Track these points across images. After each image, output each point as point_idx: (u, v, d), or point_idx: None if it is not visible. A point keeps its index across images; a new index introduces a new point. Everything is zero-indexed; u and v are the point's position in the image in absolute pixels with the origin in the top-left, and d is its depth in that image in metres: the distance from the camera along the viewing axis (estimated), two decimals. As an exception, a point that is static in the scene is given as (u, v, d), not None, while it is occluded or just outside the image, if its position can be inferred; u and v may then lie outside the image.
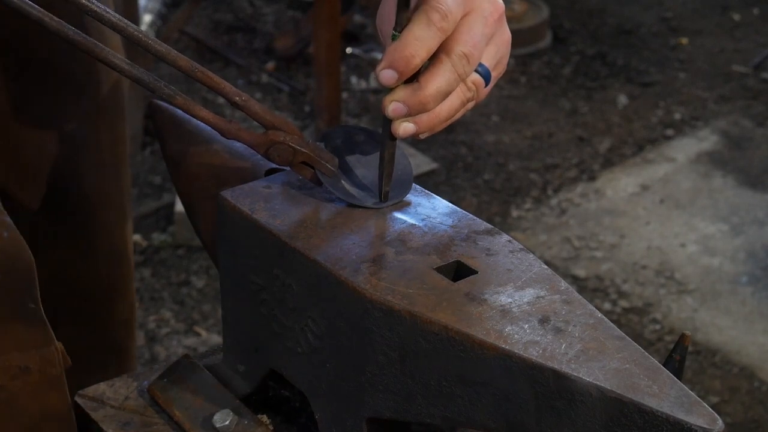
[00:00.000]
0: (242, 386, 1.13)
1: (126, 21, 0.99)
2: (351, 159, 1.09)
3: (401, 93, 0.98)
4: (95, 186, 1.47)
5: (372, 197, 1.07)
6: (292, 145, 1.05)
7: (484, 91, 1.05)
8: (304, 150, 1.05)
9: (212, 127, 1.05)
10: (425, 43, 0.96)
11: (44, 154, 1.41)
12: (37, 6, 0.97)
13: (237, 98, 1.03)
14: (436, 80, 0.99)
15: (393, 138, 1.02)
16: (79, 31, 0.99)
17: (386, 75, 0.97)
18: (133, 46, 1.01)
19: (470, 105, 1.05)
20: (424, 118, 1.01)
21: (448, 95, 1.01)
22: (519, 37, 4.34)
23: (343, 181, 1.07)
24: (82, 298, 1.50)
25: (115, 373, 1.44)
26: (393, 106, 0.99)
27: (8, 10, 0.96)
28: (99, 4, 0.98)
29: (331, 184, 1.06)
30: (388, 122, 1.02)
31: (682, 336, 1.02)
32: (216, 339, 2.78)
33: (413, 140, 3.75)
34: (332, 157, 1.07)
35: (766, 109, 4.03)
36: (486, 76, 1.05)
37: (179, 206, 3.12)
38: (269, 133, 1.05)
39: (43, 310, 1.11)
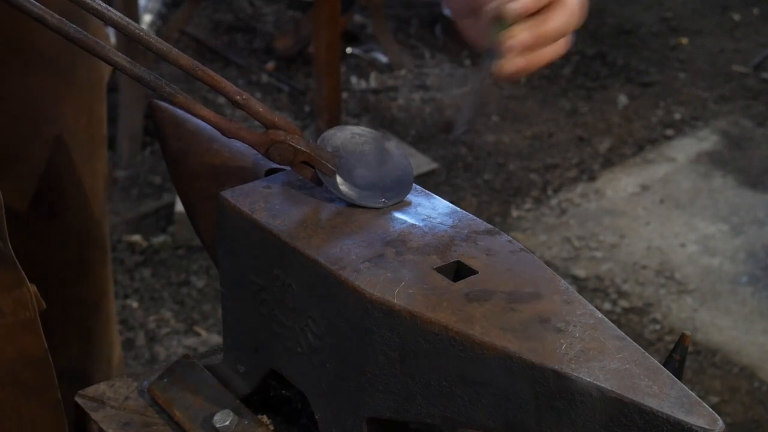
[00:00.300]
0: (242, 386, 1.13)
1: (127, 19, 0.99)
2: (351, 159, 1.09)
3: (527, 26, 1.02)
4: (67, 167, 1.45)
5: (372, 197, 1.07)
6: (293, 144, 1.05)
7: (565, 46, 1.10)
8: (305, 149, 1.05)
9: (213, 126, 1.05)
10: None
11: (18, 134, 1.39)
12: (38, 4, 0.97)
13: (237, 97, 1.03)
14: (559, 18, 1.04)
15: (489, 77, 1.04)
16: (80, 29, 0.99)
17: (525, 1, 1.01)
18: (134, 44, 1.01)
19: (557, 57, 1.10)
20: (533, 57, 1.05)
21: (559, 39, 1.06)
22: (519, 37, 4.34)
23: (343, 181, 1.07)
24: (52, 279, 1.45)
25: (79, 356, 1.50)
26: (520, 37, 1.03)
27: None
28: (100, 2, 0.98)
29: (331, 183, 1.06)
30: (490, 59, 1.02)
31: (682, 336, 1.02)
32: (216, 339, 2.78)
33: (413, 140, 3.75)
34: (332, 156, 1.07)
35: (766, 109, 4.03)
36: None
37: (179, 206, 3.12)
38: (270, 133, 1.05)
39: (13, 252, 1.10)
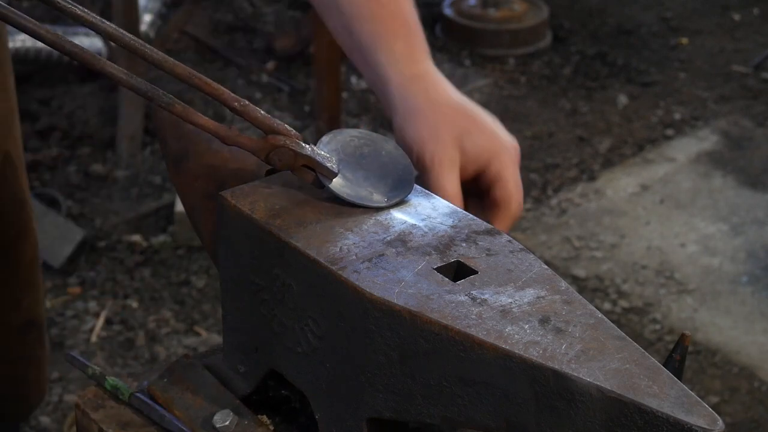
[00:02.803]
0: (242, 386, 1.13)
1: (122, 31, 0.99)
2: (350, 161, 1.09)
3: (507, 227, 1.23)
4: None
5: (374, 197, 1.07)
6: (293, 148, 1.05)
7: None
8: (305, 153, 1.05)
9: (212, 135, 1.05)
10: (521, 204, 1.25)
11: None
12: (32, 19, 0.97)
13: (236, 104, 1.03)
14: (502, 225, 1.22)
15: None
16: (76, 43, 0.99)
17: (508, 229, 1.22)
18: (131, 54, 1.01)
19: None
20: None
21: None
22: (519, 37, 4.34)
23: (344, 183, 1.07)
24: None
25: (29, 306, 1.80)
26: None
27: None
28: (94, 15, 0.99)
29: (332, 186, 1.07)
30: None
31: (682, 336, 1.02)
32: (216, 339, 2.78)
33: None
34: (332, 159, 1.08)
35: (766, 109, 4.03)
36: None
37: (179, 206, 3.12)
38: (269, 138, 1.05)
39: None
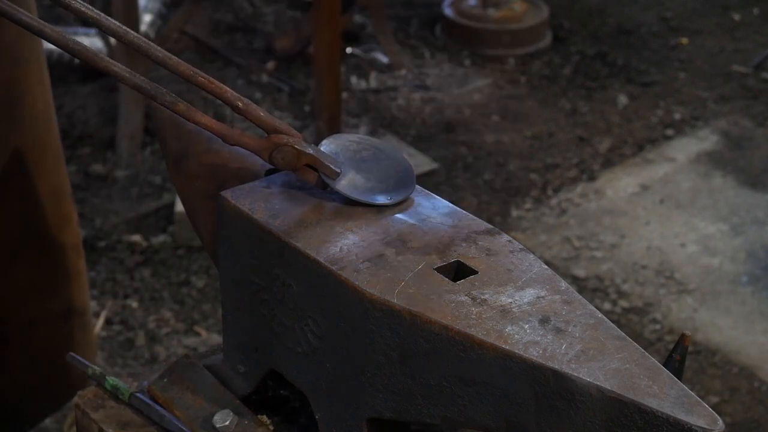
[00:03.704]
0: (242, 386, 1.13)
1: (125, 28, 1.00)
2: (350, 163, 1.10)
3: None
4: (32, 135, 1.69)
5: (376, 197, 1.07)
6: (297, 147, 1.05)
7: None
8: (309, 152, 1.05)
9: (214, 134, 1.05)
10: None
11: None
12: (36, 18, 0.98)
13: (238, 103, 1.03)
14: None
15: None
16: (79, 42, 0.99)
17: None
18: (134, 51, 1.01)
19: None
20: None
21: None
22: (519, 37, 4.34)
23: (345, 182, 1.07)
24: (35, 232, 1.76)
25: (71, 293, 1.86)
26: None
27: None
28: (98, 11, 0.99)
29: (334, 185, 1.07)
30: None
31: (682, 336, 1.02)
32: (216, 339, 2.78)
33: (413, 140, 3.75)
34: (334, 158, 1.08)
35: (766, 109, 4.03)
36: None
37: (179, 206, 3.12)
38: (272, 137, 1.05)
39: None
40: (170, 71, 1.02)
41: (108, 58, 1.00)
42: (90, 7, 0.99)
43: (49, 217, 1.79)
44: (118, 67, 1.00)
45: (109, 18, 0.99)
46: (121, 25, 1.00)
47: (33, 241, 1.78)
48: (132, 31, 1.00)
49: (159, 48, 1.01)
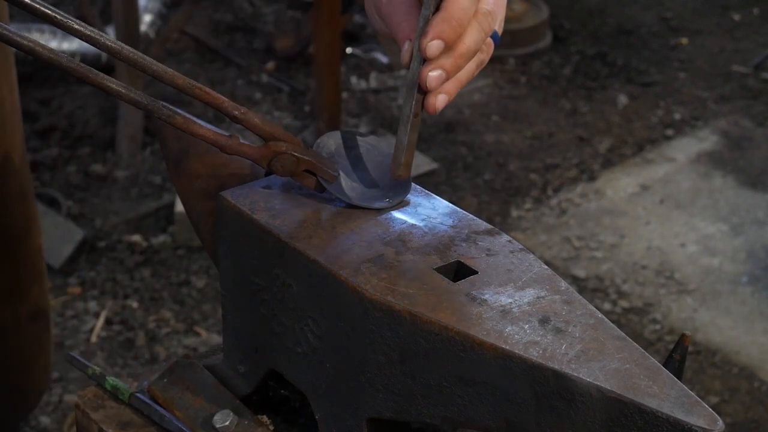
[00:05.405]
0: (242, 386, 1.13)
1: (121, 44, 1.00)
2: (348, 162, 1.10)
3: (440, 59, 1.00)
4: None
5: (375, 198, 1.07)
6: (296, 154, 1.05)
7: (492, 52, 1.07)
8: (307, 158, 1.05)
9: (212, 145, 1.06)
10: (469, 10, 1.00)
11: None
12: (28, 36, 0.98)
13: (236, 112, 1.04)
14: (468, 38, 1.01)
15: (416, 114, 1.03)
16: (72, 59, 1.00)
17: (434, 46, 0.99)
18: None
19: (481, 67, 1.08)
20: (450, 86, 1.03)
21: (475, 54, 1.03)
22: (519, 37, 4.34)
23: (343, 185, 1.07)
24: (1, 234, 1.77)
25: (36, 295, 1.88)
26: (435, 74, 1.00)
27: None
28: (94, 29, 0.99)
29: (334, 189, 1.07)
30: (419, 98, 1.02)
31: (682, 336, 1.02)
32: (216, 339, 2.78)
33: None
34: (332, 162, 1.08)
35: (766, 109, 4.03)
36: (495, 36, 1.06)
37: (179, 206, 3.12)
38: (270, 145, 1.05)
39: None
40: (167, 84, 1.02)
41: (103, 74, 1.01)
42: (83, 24, 0.99)
43: (14, 219, 1.79)
44: (115, 84, 1.01)
45: (104, 35, 1.00)
46: (116, 41, 1.00)
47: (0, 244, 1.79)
48: (127, 47, 1.00)
49: (155, 62, 1.01)
